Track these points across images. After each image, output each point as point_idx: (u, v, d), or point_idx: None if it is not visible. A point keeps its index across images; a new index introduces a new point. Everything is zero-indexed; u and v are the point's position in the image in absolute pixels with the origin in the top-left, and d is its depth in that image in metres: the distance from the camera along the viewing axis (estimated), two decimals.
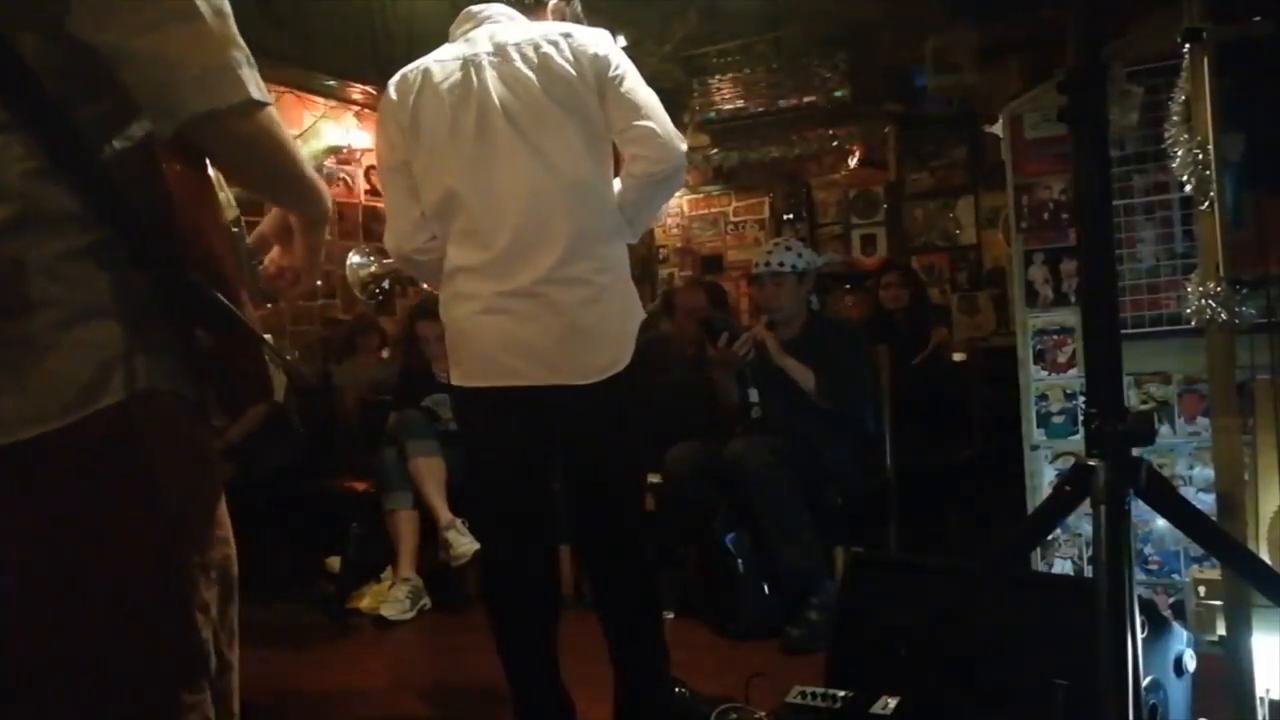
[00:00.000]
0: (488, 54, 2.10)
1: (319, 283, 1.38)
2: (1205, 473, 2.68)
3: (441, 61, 2.15)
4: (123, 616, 1.02)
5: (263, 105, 1.07)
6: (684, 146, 2.17)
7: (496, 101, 2.08)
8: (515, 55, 2.09)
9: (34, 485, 1.00)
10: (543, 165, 2.08)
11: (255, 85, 1.07)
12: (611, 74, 2.09)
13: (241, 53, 1.06)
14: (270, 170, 1.16)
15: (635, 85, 2.12)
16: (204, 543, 1.09)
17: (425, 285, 2.43)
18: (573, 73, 2.07)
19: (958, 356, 5.10)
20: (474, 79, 2.09)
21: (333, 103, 5.75)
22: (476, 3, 2.20)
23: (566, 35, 2.10)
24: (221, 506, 1.14)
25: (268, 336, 1.15)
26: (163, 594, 1.05)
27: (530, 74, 2.07)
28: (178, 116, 1.03)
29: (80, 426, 1.00)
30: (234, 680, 1.13)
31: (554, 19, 2.24)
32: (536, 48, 2.08)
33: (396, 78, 2.20)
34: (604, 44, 2.12)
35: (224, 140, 1.08)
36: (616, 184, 2.24)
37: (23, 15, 0.98)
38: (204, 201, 1.12)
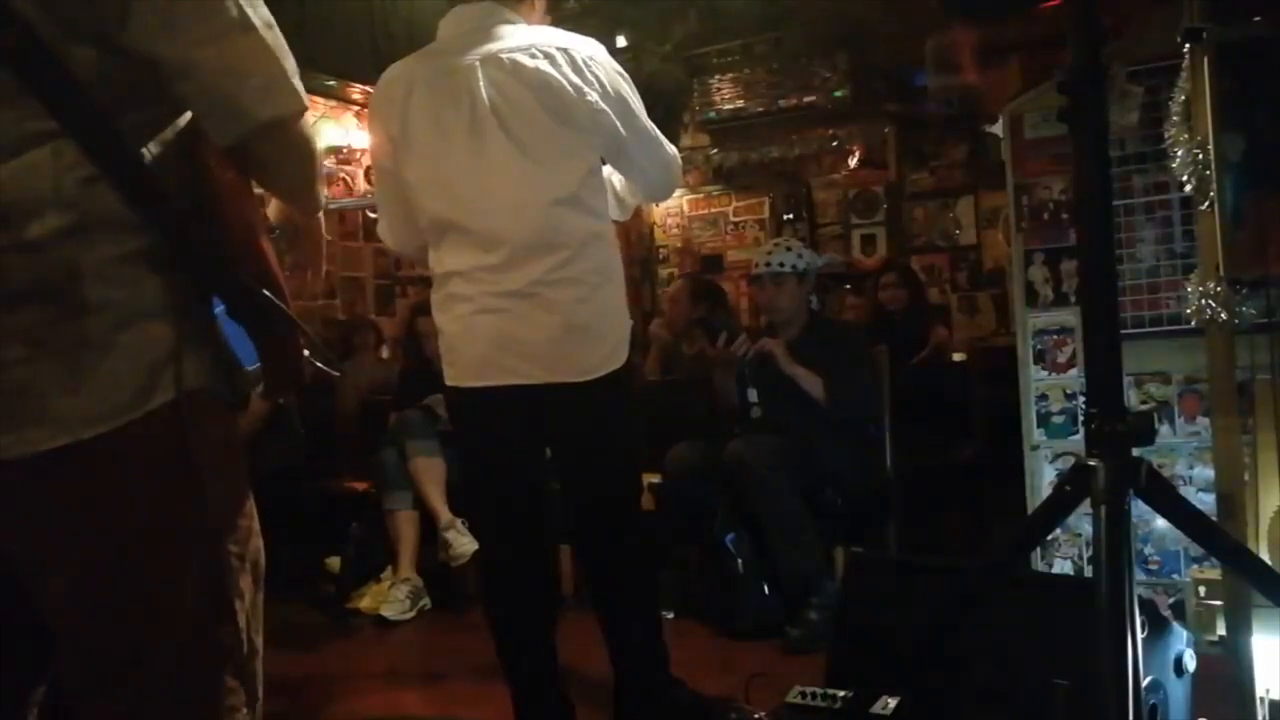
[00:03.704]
0: (479, 60, 2.07)
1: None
2: (1205, 473, 2.67)
3: (433, 66, 2.12)
4: (175, 608, 1.06)
5: (304, 111, 1.13)
6: (679, 167, 2.36)
7: (489, 109, 2.05)
8: (507, 62, 2.06)
9: (92, 484, 1.03)
10: (538, 172, 2.07)
11: (304, 93, 1.12)
12: (625, 94, 2.14)
13: (291, 61, 1.11)
14: (303, 172, 1.21)
15: (641, 111, 2.18)
16: (241, 534, 1.13)
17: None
18: (562, 80, 2.05)
19: (958, 356, 5.10)
20: (465, 86, 2.06)
21: (333, 103, 5.75)
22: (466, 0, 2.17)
23: (563, 49, 2.08)
24: (250, 498, 1.17)
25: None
26: (210, 584, 1.09)
27: (523, 82, 2.05)
28: (243, 125, 1.07)
29: (134, 426, 1.03)
30: (259, 665, 1.17)
31: (540, 16, 2.23)
32: (532, 55, 2.06)
33: (384, 80, 2.17)
34: (604, 56, 2.14)
35: (277, 146, 1.13)
36: (616, 180, 2.29)
37: (78, 27, 1.00)
38: (251, 204, 1.16)
